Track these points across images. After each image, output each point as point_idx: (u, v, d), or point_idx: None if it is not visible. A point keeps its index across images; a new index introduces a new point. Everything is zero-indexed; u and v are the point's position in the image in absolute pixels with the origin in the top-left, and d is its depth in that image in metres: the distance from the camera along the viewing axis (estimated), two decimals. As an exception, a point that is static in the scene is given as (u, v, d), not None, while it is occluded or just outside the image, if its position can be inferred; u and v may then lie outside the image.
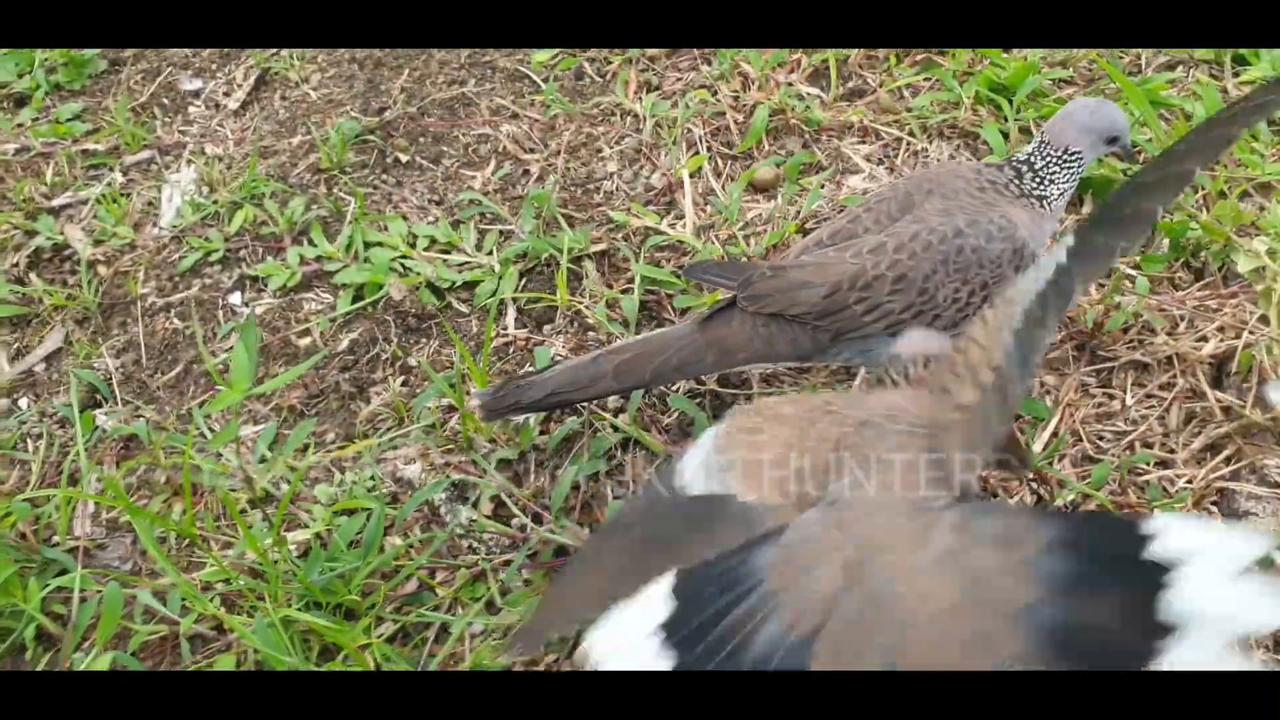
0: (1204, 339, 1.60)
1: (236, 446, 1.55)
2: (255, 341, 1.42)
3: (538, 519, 1.54)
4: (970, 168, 1.56)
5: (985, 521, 1.02)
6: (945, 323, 1.46)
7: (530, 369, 1.67)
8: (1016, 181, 1.51)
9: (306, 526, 1.58)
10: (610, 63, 2.28)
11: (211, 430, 1.72)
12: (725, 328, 1.49)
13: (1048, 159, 1.52)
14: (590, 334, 1.77)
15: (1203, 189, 1.81)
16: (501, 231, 1.93)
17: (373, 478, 1.63)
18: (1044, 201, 1.51)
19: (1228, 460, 1.47)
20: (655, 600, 1.02)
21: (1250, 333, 1.57)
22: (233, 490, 1.62)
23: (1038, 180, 1.51)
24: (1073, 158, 1.52)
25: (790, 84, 2.11)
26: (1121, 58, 2.14)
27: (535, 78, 2.28)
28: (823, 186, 1.92)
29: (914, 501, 1.07)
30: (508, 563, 1.50)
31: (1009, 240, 1.44)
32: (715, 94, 2.13)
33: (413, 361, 1.77)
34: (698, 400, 1.63)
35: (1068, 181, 1.52)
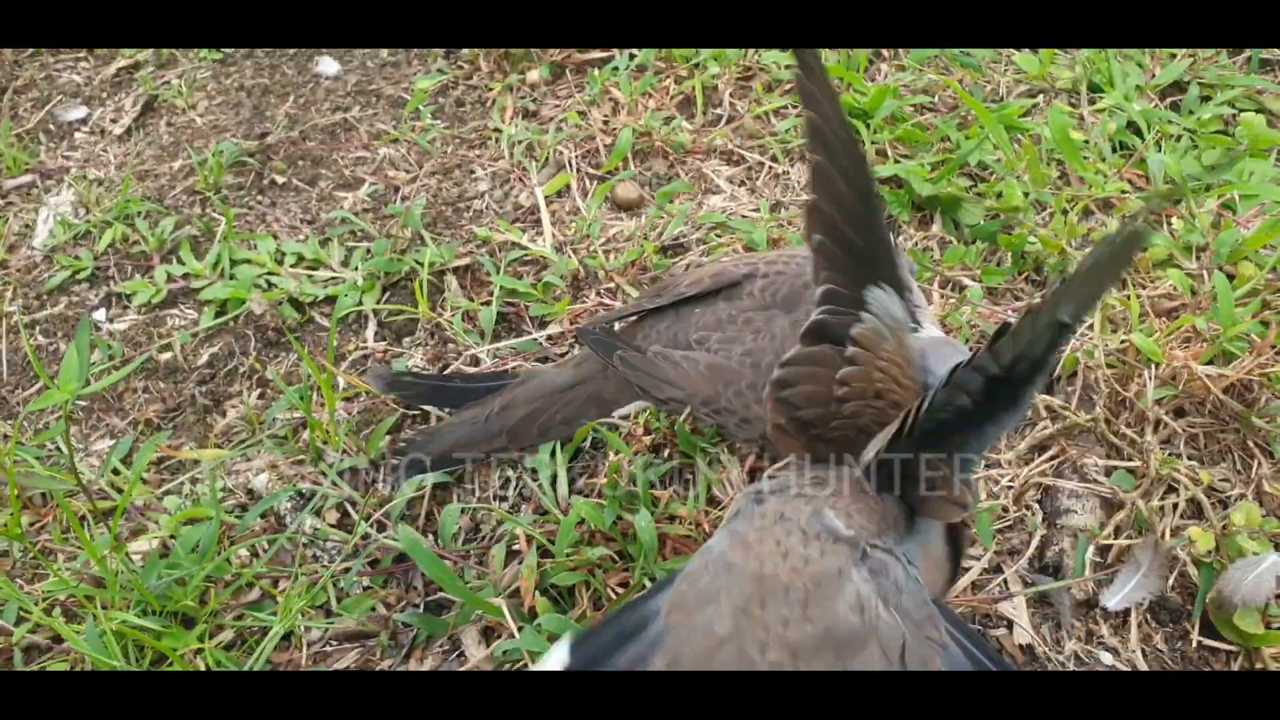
0: (1035, 346, 1.64)
1: (70, 453, 1.54)
2: (87, 343, 1.42)
3: (381, 527, 1.55)
4: None
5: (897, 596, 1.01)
6: None
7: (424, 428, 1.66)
8: None
9: (154, 535, 1.57)
10: (491, 89, 2.32)
11: (61, 444, 1.71)
12: (603, 383, 1.55)
13: None
14: (449, 345, 1.78)
15: (1047, 206, 1.87)
16: (369, 249, 1.95)
17: (222, 488, 1.63)
18: None
19: (1052, 459, 1.51)
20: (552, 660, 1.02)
21: (1079, 339, 1.62)
22: (81, 501, 1.61)
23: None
24: None
25: (660, 108, 2.16)
26: (985, 85, 2.22)
27: (421, 107, 2.31)
28: (684, 207, 1.96)
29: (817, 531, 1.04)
30: (349, 570, 1.50)
31: None
32: (586, 118, 2.17)
33: (270, 375, 1.78)
34: (547, 409, 1.65)
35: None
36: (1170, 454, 1.48)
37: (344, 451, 1.63)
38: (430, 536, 1.52)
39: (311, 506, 1.57)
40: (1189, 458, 1.50)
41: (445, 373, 1.74)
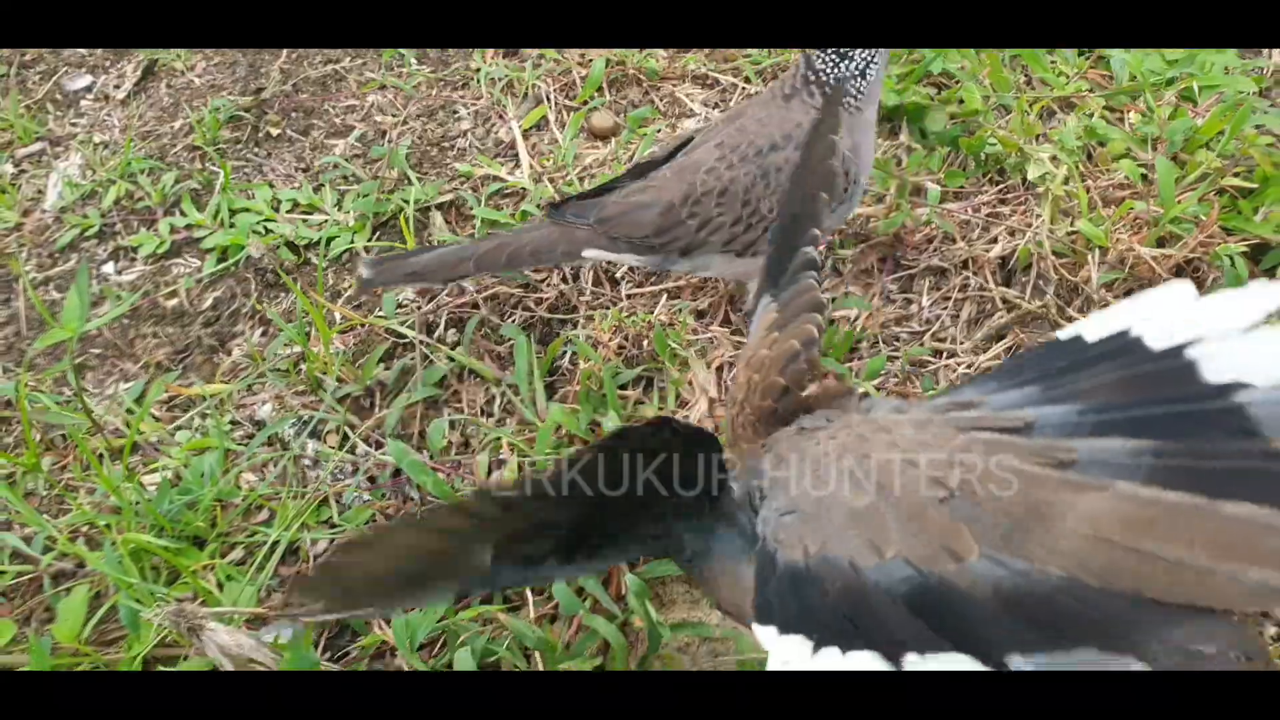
0: (994, 241, 1.70)
1: (78, 388, 1.65)
2: (87, 285, 1.52)
3: (379, 445, 1.65)
4: (778, 82, 1.58)
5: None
6: None
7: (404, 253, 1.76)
8: (809, 74, 1.52)
9: (166, 466, 1.68)
10: (473, 32, 2.39)
11: (87, 388, 1.82)
12: (575, 229, 1.59)
13: None
14: (436, 278, 1.87)
15: (1010, 110, 1.91)
16: (360, 191, 2.04)
17: (230, 420, 1.73)
18: (844, 84, 1.50)
19: (1006, 348, 1.58)
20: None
21: (1035, 232, 1.67)
22: (99, 440, 1.72)
23: (828, 62, 1.51)
24: None
25: (635, 39, 2.23)
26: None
27: (405, 51, 2.38)
28: (659, 131, 2.03)
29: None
30: (350, 486, 1.60)
31: None
32: (563, 52, 2.24)
33: (270, 314, 1.87)
34: (528, 330, 1.73)
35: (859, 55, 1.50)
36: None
37: (340, 379, 1.73)
38: (425, 453, 1.61)
39: (311, 430, 1.67)
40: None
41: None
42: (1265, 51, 2.04)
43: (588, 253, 1.59)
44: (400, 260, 1.63)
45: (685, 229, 1.53)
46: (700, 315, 1.70)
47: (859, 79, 1.52)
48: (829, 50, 1.51)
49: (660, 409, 1.53)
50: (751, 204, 1.52)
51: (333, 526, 1.57)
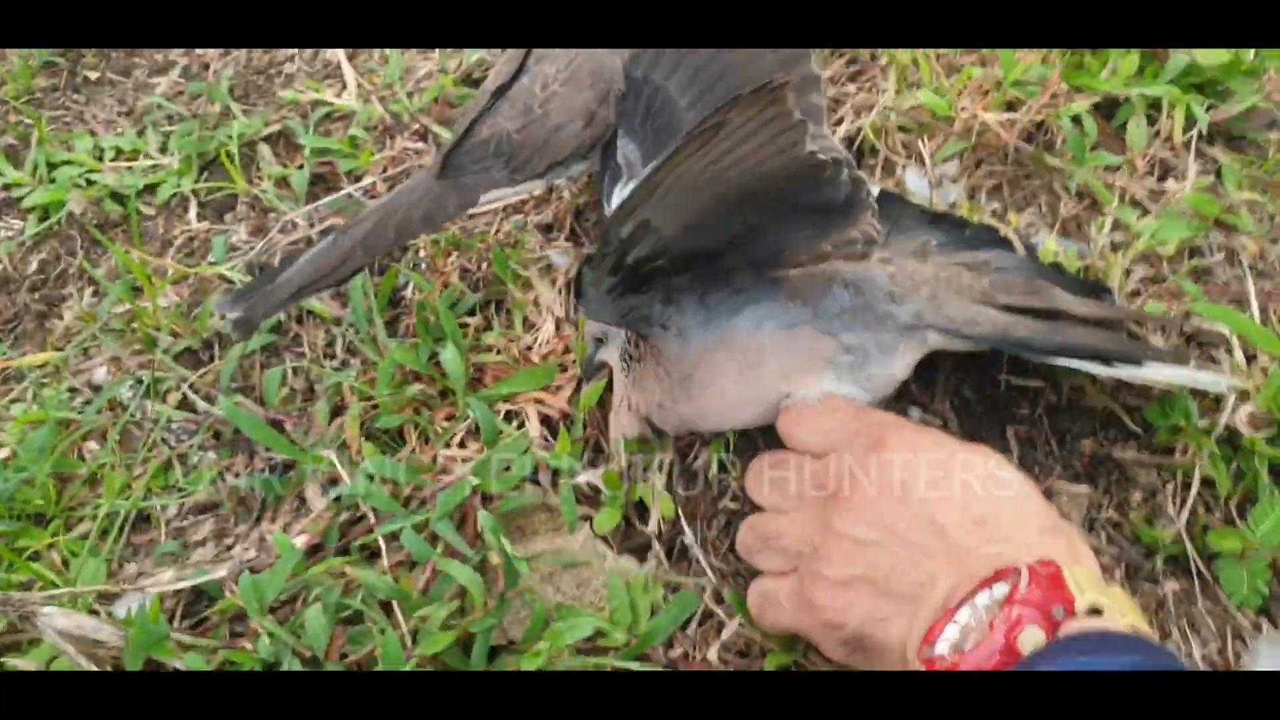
0: (840, 122, 1.64)
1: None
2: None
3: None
4: None
5: None
6: None
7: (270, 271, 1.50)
8: None
9: (2, 445, 1.59)
10: (297, -53, 2.25)
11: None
12: (467, 176, 1.46)
13: None
14: (270, 215, 1.77)
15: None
16: (181, 131, 1.92)
17: (68, 388, 1.64)
18: None
19: (857, 232, 1.52)
20: None
21: (880, 109, 1.61)
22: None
23: None
24: None
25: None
26: None
27: (226, -26, 2.24)
28: (492, 35, 1.93)
29: None
30: (193, 446, 1.53)
31: None
32: (390, -39, 2.11)
33: (100, 272, 1.77)
34: (370, 258, 1.64)
35: None
36: (973, 204, 1.50)
37: (174, 334, 1.64)
38: (259, 404, 1.53)
39: (147, 390, 1.58)
40: (998, 206, 1.51)
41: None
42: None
43: (487, 196, 1.46)
44: (269, 283, 1.38)
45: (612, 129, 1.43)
46: (546, 230, 1.63)
47: None
48: None
49: (505, 333, 1.46)
50: None
51: (180, 490, 1.49)
